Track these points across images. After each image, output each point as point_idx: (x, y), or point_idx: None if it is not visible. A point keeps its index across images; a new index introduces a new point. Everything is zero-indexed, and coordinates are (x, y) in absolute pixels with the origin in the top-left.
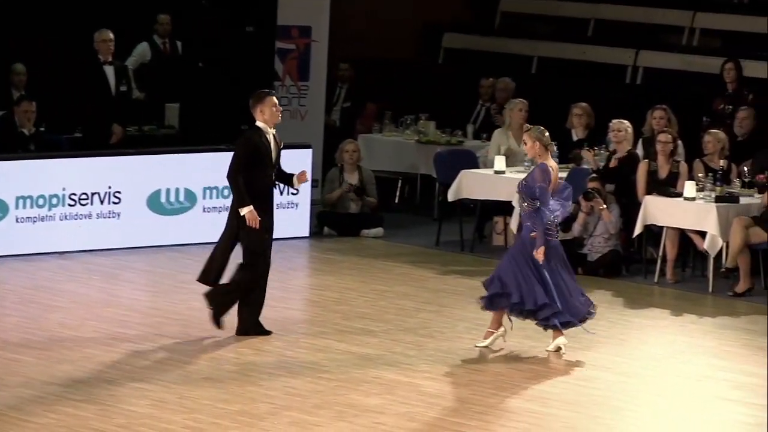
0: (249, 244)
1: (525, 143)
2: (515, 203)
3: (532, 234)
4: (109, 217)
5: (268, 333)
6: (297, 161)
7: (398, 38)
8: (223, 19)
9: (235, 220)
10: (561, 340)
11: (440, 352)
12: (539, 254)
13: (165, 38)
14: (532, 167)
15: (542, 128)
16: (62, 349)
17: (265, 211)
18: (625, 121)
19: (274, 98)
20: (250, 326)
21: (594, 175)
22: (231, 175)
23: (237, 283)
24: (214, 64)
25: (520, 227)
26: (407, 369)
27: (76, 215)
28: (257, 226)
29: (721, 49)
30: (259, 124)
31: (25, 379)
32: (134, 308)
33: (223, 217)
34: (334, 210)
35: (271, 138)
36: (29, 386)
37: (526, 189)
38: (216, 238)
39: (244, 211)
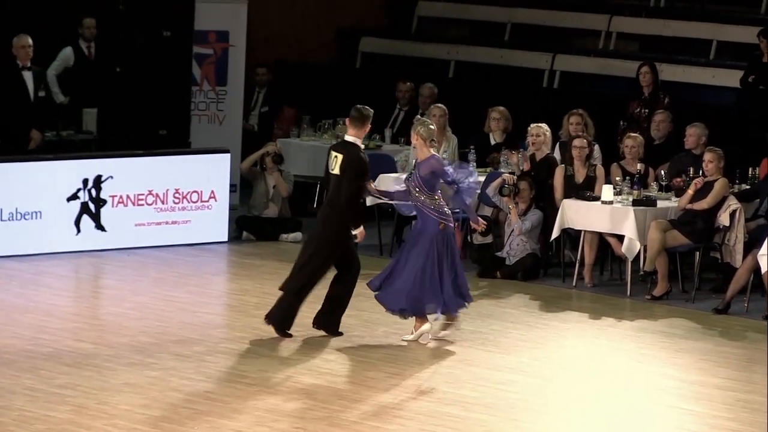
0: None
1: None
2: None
3: (441, 226)
4: (29, 221)
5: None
6: (215, 166)
7: (316, 42)
8: (140, 23)
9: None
10: (426, 327)
11: (359, 357)
12: (481, 225)
13: (90, 42)
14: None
15: (428, 122)
16: None
17: None
18: (543, 125)
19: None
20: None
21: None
22: (355, 198)
23: (339, 297)
24: (132, 68)
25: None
26: (327, 373)
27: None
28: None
29: (637, 53)
30: (353, 139)
31: None
32: (53, 314)
33: (137, 219)
34: (252, 214)
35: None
36: None
37: (423, 182)
38: (135, 243)
39: (359, 230)
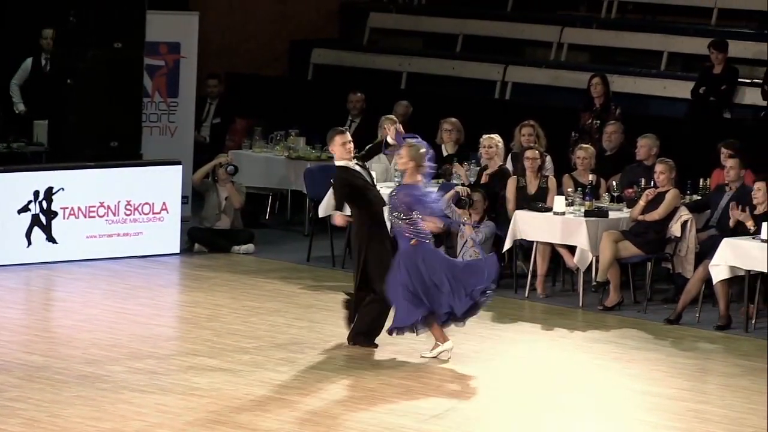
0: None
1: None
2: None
3: (412, 242)
4: None
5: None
6: (167, 178)
7: (268, 54)
8: (92, 35)
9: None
10: (446, 346)
11: (312, 369)
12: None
13: (49, 53)
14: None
15: (420, 145)
16: None
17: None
18: (495, 136)
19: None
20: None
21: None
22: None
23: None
24: (83, 80)
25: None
26: (279, 385)
27: None
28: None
29: (588, 64)
30: (337, 162)
31: None
32: (4, 326)
33: (88, 231)
34: (204, 226)
35: (357, 168)
36: None
37: (400, 203)
38: (87, 255)
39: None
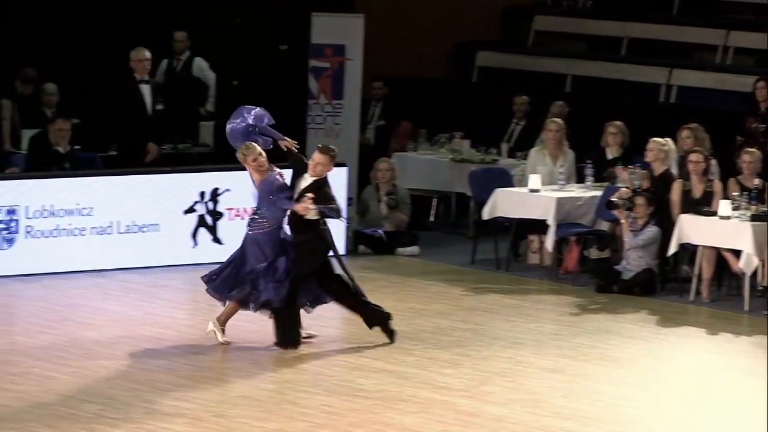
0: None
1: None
2: (550, 221)
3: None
4: (146, 234)
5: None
6: (332, 180)
7: (432, 57)
8: (257, 37)
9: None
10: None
11: (476, 371)
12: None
13: (181, 55)
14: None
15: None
16: (98, 368)
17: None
18: (665, 140)
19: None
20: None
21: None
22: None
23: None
24: (248, 82)
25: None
26: (443, 388)
27: (110, 232)
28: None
29: (754, 68)
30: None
31: (60, 397)
32: (170, 326)
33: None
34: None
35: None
36: (65, 404)
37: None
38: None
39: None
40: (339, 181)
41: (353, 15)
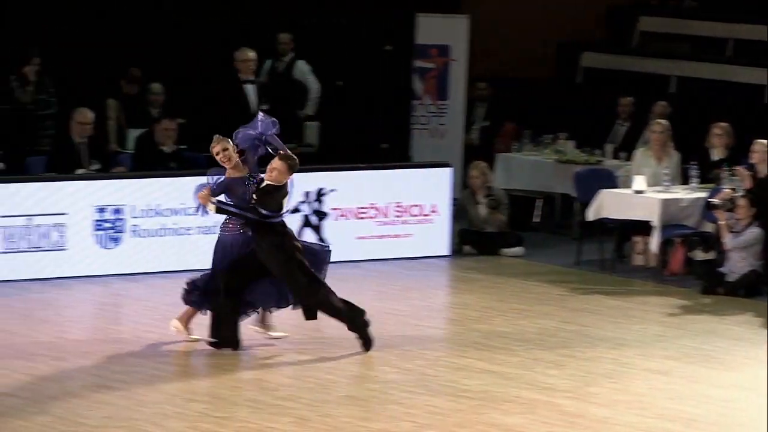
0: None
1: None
2: (655, 222)
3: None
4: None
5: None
6: (436, 180)
7: (536, 57)
8: (362, 37)
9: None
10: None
11: (581, 372)
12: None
13: (284, 56)
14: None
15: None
16: (203, 366)
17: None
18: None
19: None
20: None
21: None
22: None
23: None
24: (353, 82)
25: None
26: (548, 388)
27: (215, 232)
28: None
29: None
30: None
31: (167, 395)
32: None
33: (358, 232)
34: (473, 229)
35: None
36: (171, 403)
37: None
38: (357, 256)
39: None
40: (443, 181)
41: (458, 15)
